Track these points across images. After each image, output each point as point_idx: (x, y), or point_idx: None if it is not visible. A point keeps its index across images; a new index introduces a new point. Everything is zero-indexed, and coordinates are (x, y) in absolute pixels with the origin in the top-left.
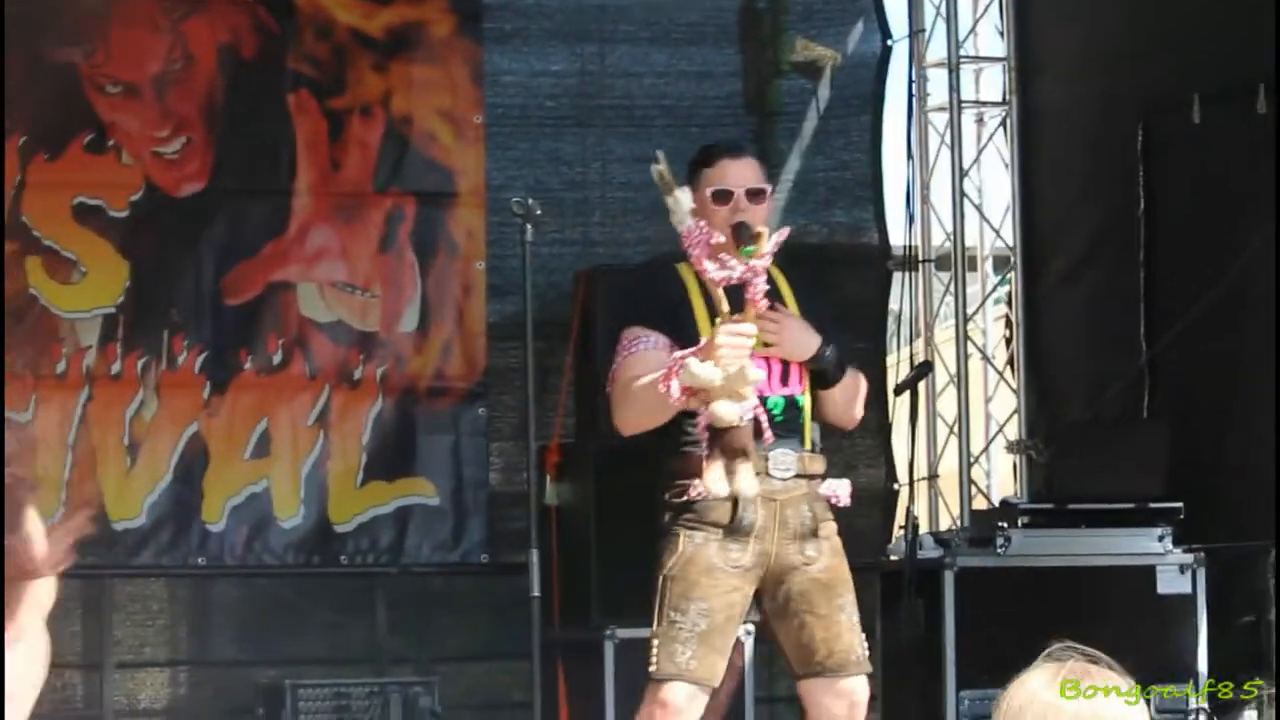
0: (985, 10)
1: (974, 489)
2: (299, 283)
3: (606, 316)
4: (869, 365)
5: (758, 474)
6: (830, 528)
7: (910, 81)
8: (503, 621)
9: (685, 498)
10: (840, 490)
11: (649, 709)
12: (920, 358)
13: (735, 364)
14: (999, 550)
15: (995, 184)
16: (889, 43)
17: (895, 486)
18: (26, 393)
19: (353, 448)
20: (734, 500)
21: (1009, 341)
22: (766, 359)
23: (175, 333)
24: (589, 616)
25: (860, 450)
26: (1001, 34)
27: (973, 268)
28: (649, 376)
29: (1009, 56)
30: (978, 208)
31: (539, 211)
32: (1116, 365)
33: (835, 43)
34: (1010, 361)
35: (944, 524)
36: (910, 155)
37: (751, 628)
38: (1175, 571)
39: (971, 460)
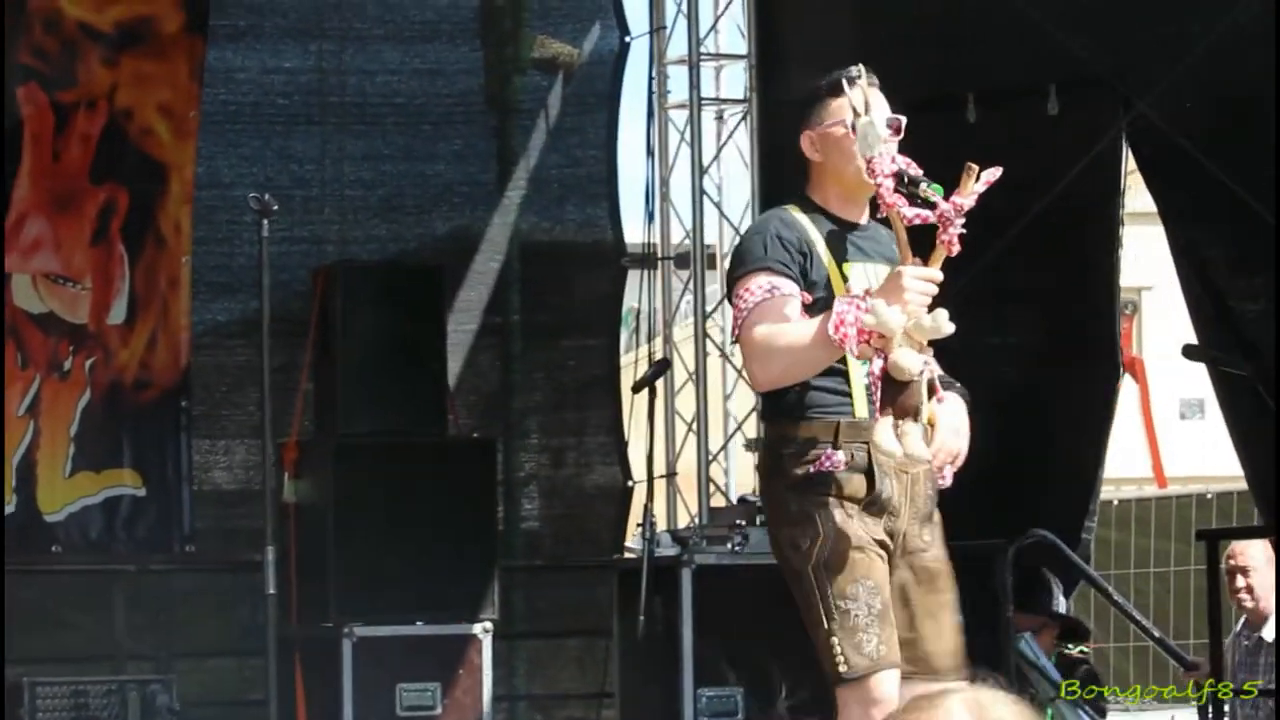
0: (726, 7)
1: (712, 487)
2: (14, 273)
3: (733, 267)
4: (603, 362)
5: None
6: (937, 515)
7: (650, 78)
8: (241, 619)
9: (816, 469)
10: (947, 471)
11: (860, 711)
12: (659, 355)
13: (921, 311)
14: (736, 548)
15: (735, 181)
16: (627, 39)
17: (630, 484)
18: None
19: (61, 438)
20: (868, 472)
21: None
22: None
23: None
24: (327, 614)
25: (594, 448)
26: (743, 32)
27: (712, 265)
28: (800, 324)
29: (750, 54)
30: (717, 205)
31: (275, 207)
32: None
33: (574, 39)
34: None
35: (683, 522)
36: (650, 152)
37: (489, 625)
38: None
39: (710, 458)
